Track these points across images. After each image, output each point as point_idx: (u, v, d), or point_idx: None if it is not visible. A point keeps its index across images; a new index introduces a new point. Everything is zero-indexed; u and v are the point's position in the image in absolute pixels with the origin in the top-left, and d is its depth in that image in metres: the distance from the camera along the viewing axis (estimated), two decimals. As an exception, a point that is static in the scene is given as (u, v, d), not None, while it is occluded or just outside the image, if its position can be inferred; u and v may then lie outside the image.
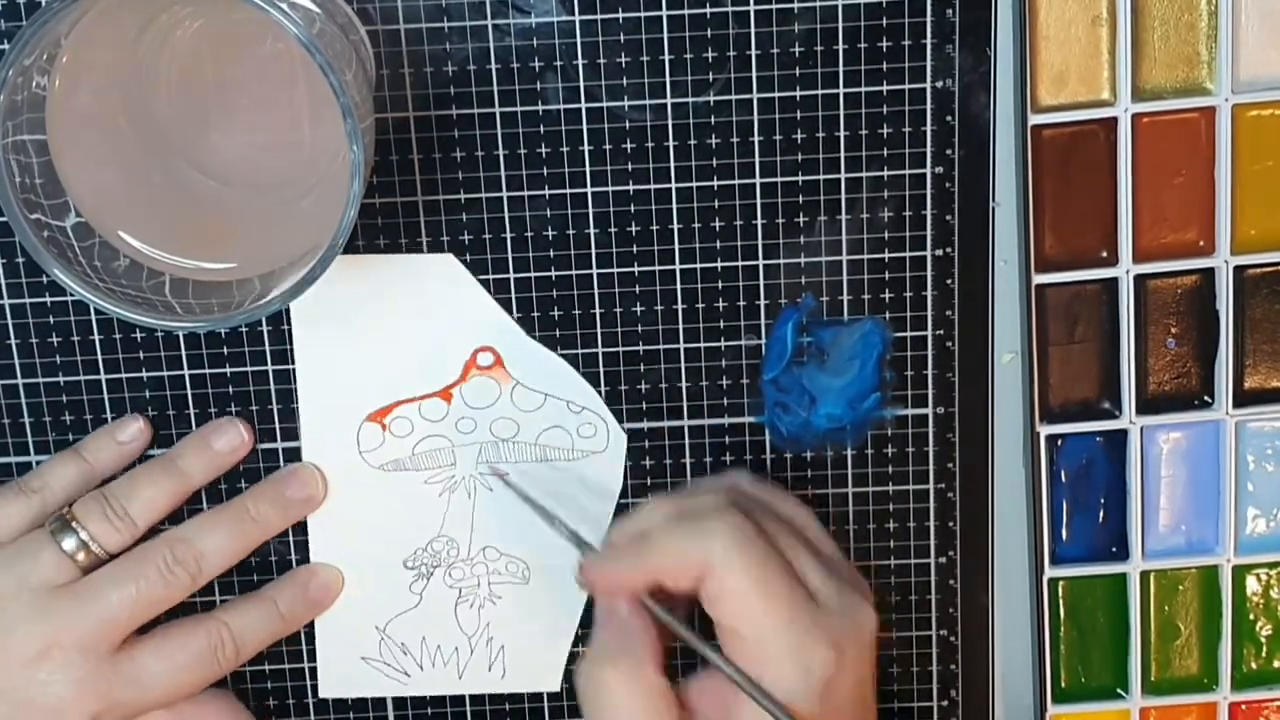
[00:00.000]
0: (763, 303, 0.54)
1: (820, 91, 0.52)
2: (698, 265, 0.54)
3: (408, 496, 0.55)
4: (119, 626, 0.51)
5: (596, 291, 0.54)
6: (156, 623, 0.53)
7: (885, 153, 0.53)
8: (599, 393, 0.55)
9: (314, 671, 0.57)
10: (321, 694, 0.57)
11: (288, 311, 0.53)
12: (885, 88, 0.52)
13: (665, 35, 0.51)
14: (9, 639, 0.50)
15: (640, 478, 0.56)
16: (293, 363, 0.54)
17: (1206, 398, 0.55)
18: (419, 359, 0.54)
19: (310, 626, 0.56)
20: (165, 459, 0.54)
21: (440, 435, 0.55)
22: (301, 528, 0.55)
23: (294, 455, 0.55)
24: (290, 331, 0.54)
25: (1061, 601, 0.57)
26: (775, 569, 0.46)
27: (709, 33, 0.51)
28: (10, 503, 0.52)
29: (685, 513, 0.48)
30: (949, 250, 0.54)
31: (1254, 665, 0.57)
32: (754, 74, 0.52)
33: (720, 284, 0.54)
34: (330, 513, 0.55)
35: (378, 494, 0.55)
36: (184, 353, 0.54)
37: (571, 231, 0.53)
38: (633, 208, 0.53)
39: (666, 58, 0.52)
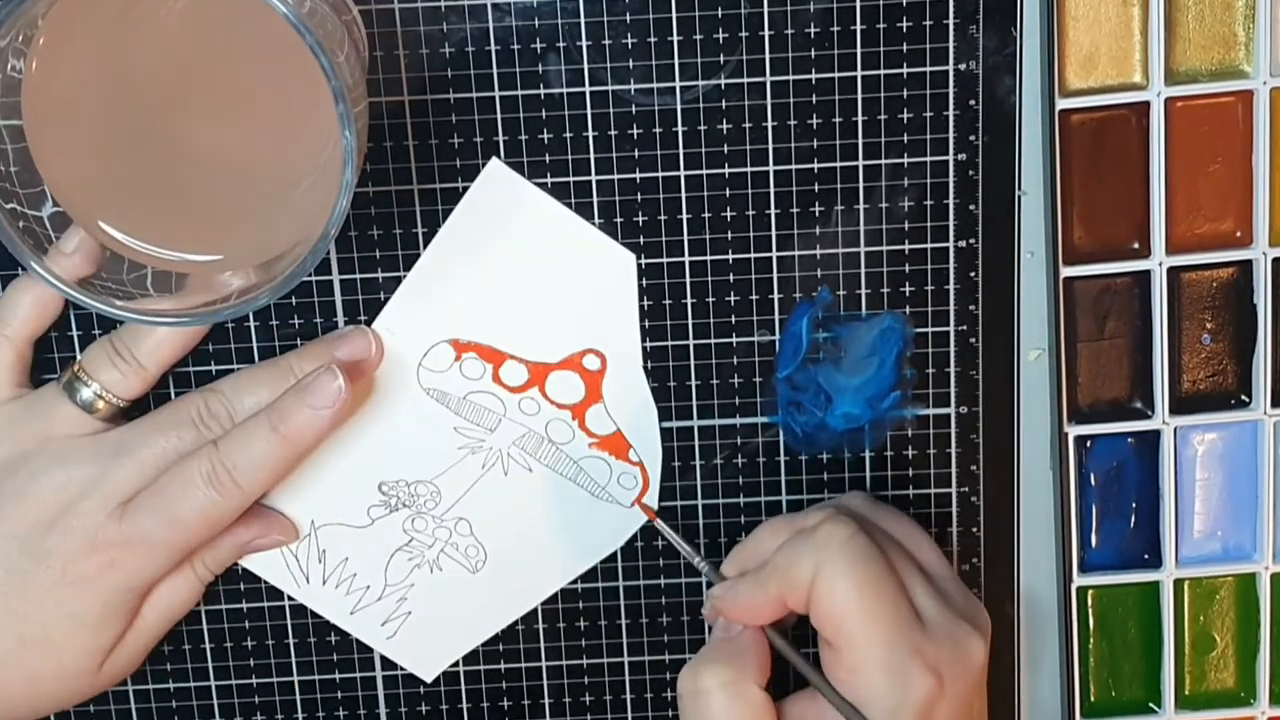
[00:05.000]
0: (776, 297, 0.54)
1: (837, 74, 0.52)
2: (708, 257, 0.53)
3: (429, 430, 0.55)
4: (138, 485, 0.50)
5: (601, 285, 0.54)
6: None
7: (905, 139, 0.52)
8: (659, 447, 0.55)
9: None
10: None
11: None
12: (905, 70, 0.52)
13: (674, 15, 0.51)
14: (32, 487, 0.50)
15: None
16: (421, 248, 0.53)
17: (1244, 396, 0.55)
18: (535, 322, 0.54)
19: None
20: None
21: (500, 398, 0.54)
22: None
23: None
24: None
25: (1091, 611, 0.56)
26: (883, 584, 0.47)
27: (720, 12, 0.51)
28: None
29: (799, 530, 0.49)
30: (972, 241, 0.53)
31: (1293, 678, 0.57)
32: (767, 56, 0.51)
33: (732, 277, 0.54)
34: (352, 399, 0.53)
35: (405, 409, 0.55)
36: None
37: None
38: (639, 197, 0.53)
39: (675, 38, 0.51)
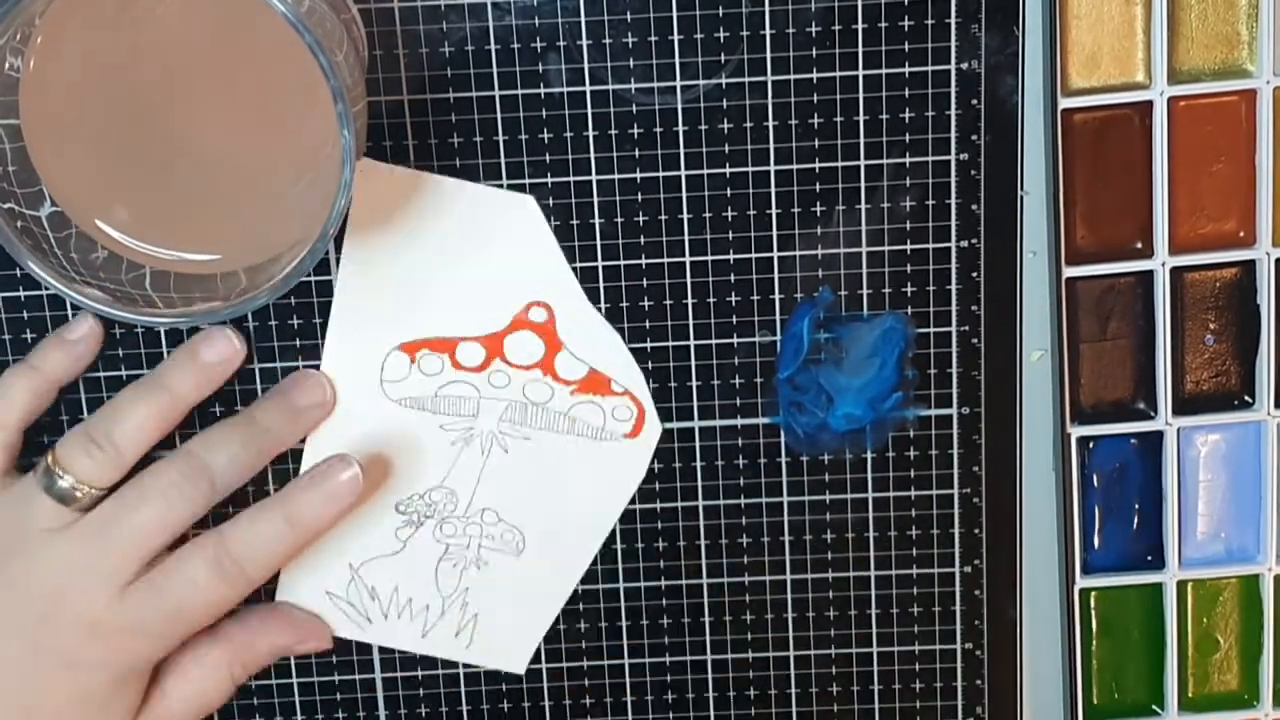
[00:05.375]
0: (777, 297, 0.54)
1: (839, 73, 0.52)
2: (709, 257, 0.53)
3: (418, 438, 0.55)
4: (131, 558, 0.50)
5: (602, 285, 0.54)
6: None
7: (907, 138, 0.52)
8: (646, 379, 0.54)
9: (272, 595, 0.56)
10: None
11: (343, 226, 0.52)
12: (907, 69, 0.52)
13: (674, 14, 0.51)
14: (24, 580, 0.50)
15: (649, 481, 0.56)
16: (333, 274, 0.53)
17: (1247, 397, 0.55)
18: (469, 298, 0.53)
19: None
20: (148, 377, 0.52)
21: (469, 383, 0.54)
22: (297, 453, 0.55)
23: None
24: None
25: (1093, 613, 0.56)
26: None
27: (721, 11, 0.51)
28: None
29: None
30: (974, 242, 0.53)
31: (1297, 680, 0.57)
32: (769, 55, 0.51)
33: (733, 277, 0.54)
34: (332, 437, 0.54)
35: (387, 428, 0.54)
36: (165, 349, 0.54)
37: (575, 222, 0.53)
38: (640, 197, 0.53)
39: (676, 37, 0.51)
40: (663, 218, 0.53)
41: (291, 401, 0.53)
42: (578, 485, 0.55)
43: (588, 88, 0.52)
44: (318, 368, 0.54)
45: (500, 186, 0.52)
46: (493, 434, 0.55)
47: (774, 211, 0.53)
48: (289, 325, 0.54)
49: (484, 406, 0.54)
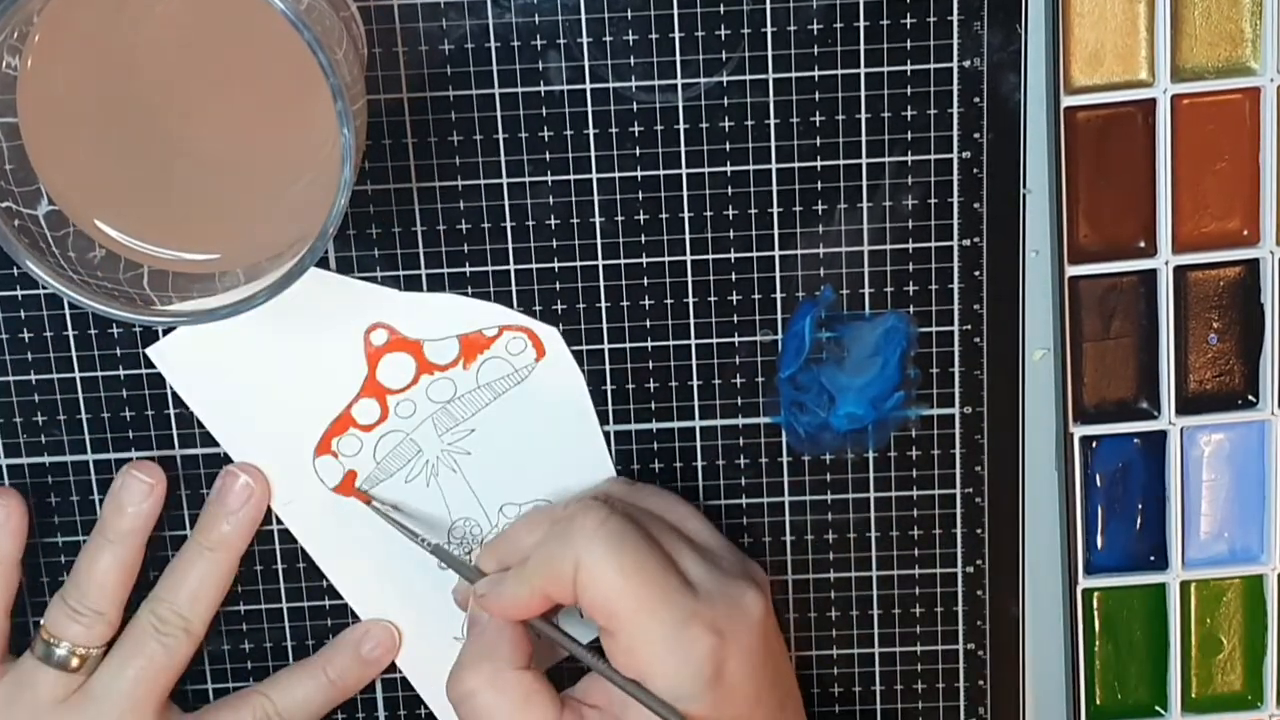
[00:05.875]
0: (779, 296, 0.54)
1: (840, 71, 0.52)
2: (710, 256, 0.53)
3: (400, 504, 0.55)
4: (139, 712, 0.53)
5: (602, 284, 0.54)
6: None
7: (909, 136, 0.52)
8: (508, 303, 0.54)
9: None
10: None
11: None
12: (909, 67, 0.52)
13: (675, 11, 0.51)
14: None
15: (650, 481, 0.55)
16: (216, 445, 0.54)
17: (1251, 397, 0.55)
18: (319, 373, 0.54)
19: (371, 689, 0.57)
20: (95, 529, 0.54)
21: (390, 432, 0.54)
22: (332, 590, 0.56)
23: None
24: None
25: (1096, 613, 0.56)
26: (646, 561, 0.47)
27: (722, 9, 0.51)
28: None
29: (554, 521, 0.49)
30: (977, 240, 0.53)
31: (1301, 681, 0.57)
32: (770, 52, 0.51)
33: (734, 276, 0.53)
34: (341, 556, 0.56)
35: (374, 518, 0.55)
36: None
37: (576, 220, 0.53)
38: (641, 195, 0.53)
39: (677, 35, 0.51)
40: (663, 216, 0.53)
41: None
42: (545, 430, 0.55)
43: (588, 85, 0.52)
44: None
45: (499, 185, 0.52)
46: (446, 451, 0.55)
47: (775, 210, 0.53)
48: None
49: (419, 438, 0.55)
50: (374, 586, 0.56)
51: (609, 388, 0.55)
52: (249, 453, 0.55)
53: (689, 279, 0.54)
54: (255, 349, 0.54)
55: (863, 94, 0.52)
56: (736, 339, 0.54)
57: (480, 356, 0.54)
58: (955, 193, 0.53)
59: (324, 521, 0.55)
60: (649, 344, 0.54)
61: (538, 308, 0.54)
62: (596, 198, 0.53)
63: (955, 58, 0.52)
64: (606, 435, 0.55)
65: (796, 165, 0.52)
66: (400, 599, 0.56)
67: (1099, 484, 0.55)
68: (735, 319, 0.54)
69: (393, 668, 0.57)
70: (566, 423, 0.55)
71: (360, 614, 0.56)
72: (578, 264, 0.53)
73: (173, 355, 0.53)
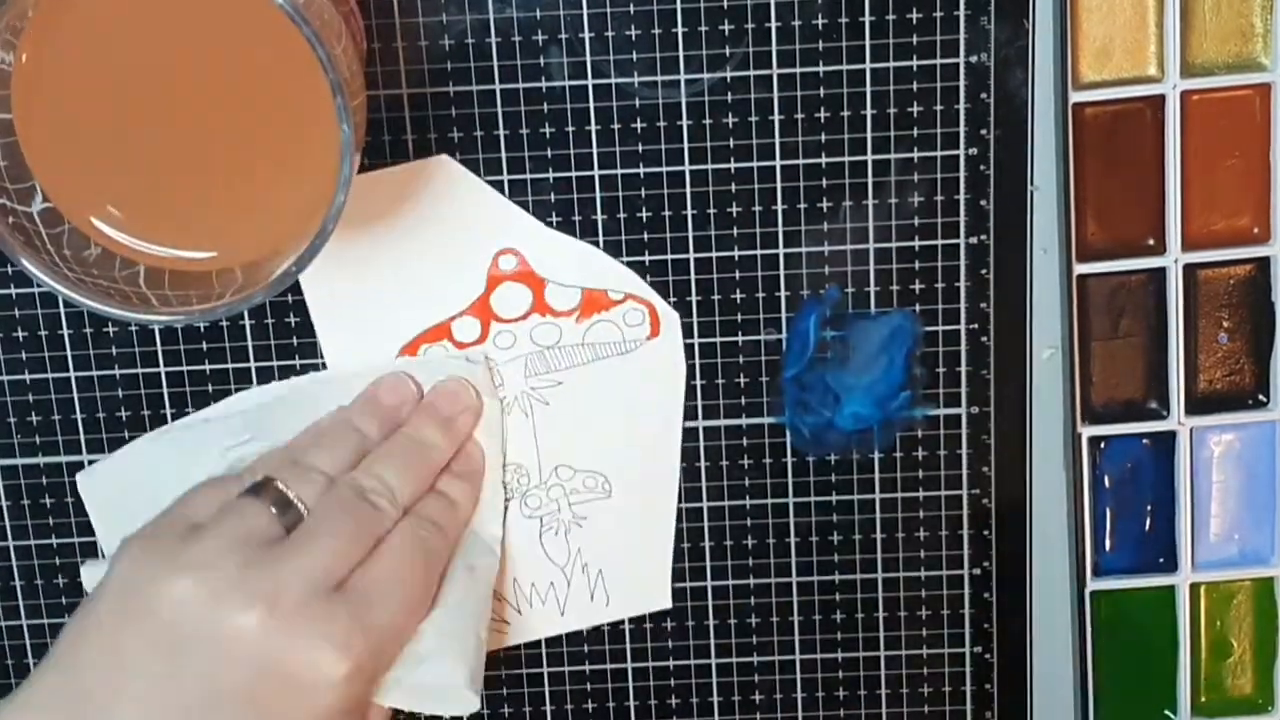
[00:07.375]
0: (783, 294, 0.54)
1: (845, 67, 0.51)
2: (713, 254, 0.53)
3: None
4: (333, 573, 0.48)
5: (604, 282, 0.53)
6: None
7: (915, 133, 0.52)
8: (644, 278, 0.54)
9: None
10: None
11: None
12: (915, 63, 0.51)
13: (679, 6, 0.51)
14: (238, 608, 0.46)
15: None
16: (308, 316, 0.53)
17: (1261, 396, 0.55)
18: (436, 278, 0.53)
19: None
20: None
21: (479, 358, 0.54)
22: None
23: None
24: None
25: (1105, 616, 0.56)
26: None
27: (725, 3, 0.51)
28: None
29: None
30: (984, 238, 0.53)
31: (1312, 684, 0.57)
32: (774, 48, 0.51)
33: (738, 274, 0.53)
34: None
35: None
36: (160, 348, 0.54)
37: (578, 218, 0.53)
38: (644, 192, 0.53)
39: (680, 30, 0.51)
40: (666, 213, 0.53)
41: (440, 415, 0.53)
42: (628, 404, 0.54)
43: (590, 81, 0.52)
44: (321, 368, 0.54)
45: (500, 182, 0.52)
46: (526, 394, 0.54)
47: (780, 207, 0.53)
48: (286, 324, 0.54)
49: (505, 372, 0.54)
50: None
51: (611, 387, 0.55)
52: (339, 339, 0.54)
53: (692, 277, 0.53)
54: (384, 238, 0.53)
55: (868, 90, 0.52)
56: (740, 338, 0.54)
57: (596, 315, 0.54)
58: (962, 190, 0.53)
59: None
60: (652, 343, 0.54)
61: (539, 306, 0.54)
62: (599, 195, 0.53)
63: (962, 53, 0.51)
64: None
65: (801, 162, 0.52)
66: None
67: (1107, 485, 0.55)
68: (739, 317, 0.54)
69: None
70: (652, 408, 0.55)
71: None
72: (580, 262, 0.53)
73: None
